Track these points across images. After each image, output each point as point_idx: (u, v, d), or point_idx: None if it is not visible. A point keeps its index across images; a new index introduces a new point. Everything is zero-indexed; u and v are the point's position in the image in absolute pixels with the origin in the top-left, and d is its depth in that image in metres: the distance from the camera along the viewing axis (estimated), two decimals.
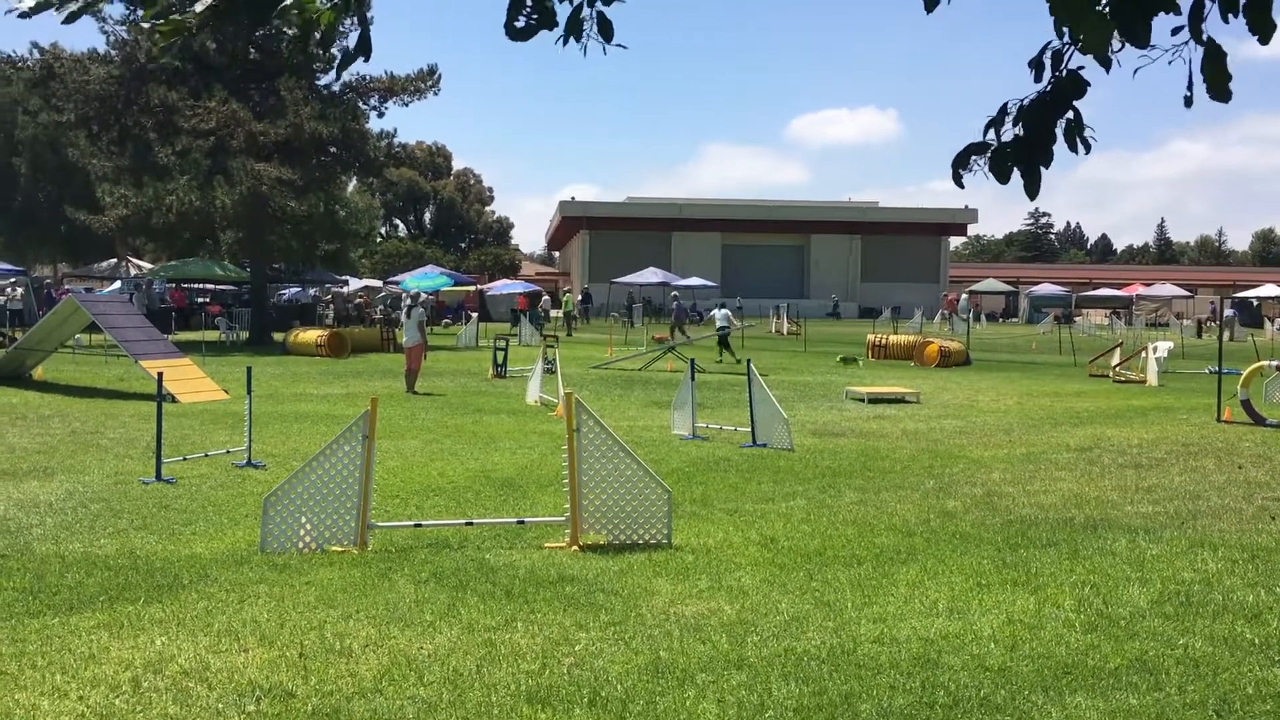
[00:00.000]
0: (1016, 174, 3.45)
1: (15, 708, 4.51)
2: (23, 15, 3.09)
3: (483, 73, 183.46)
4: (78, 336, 23.47)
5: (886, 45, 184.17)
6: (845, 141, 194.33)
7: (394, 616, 5.82)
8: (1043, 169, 3.44)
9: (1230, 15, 3.02)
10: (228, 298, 43.62)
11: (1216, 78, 3.08)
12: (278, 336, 32.52)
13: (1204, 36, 3.03)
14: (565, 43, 3.57)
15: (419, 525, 8.04)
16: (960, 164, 3.46)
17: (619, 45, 3.60)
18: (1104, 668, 5.13)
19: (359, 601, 6.09)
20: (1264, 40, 3.01)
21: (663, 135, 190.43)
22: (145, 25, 3.51)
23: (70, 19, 3.18)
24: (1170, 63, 3.17)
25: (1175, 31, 3.10)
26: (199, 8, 3.35)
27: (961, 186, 3.59)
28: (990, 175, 3.45)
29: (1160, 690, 4.83)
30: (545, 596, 6.24)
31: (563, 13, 3.47)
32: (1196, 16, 3.03)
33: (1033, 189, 3.45)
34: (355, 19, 3.48)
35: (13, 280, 38.82)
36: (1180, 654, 5.29)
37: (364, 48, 3.45)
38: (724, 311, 28.95)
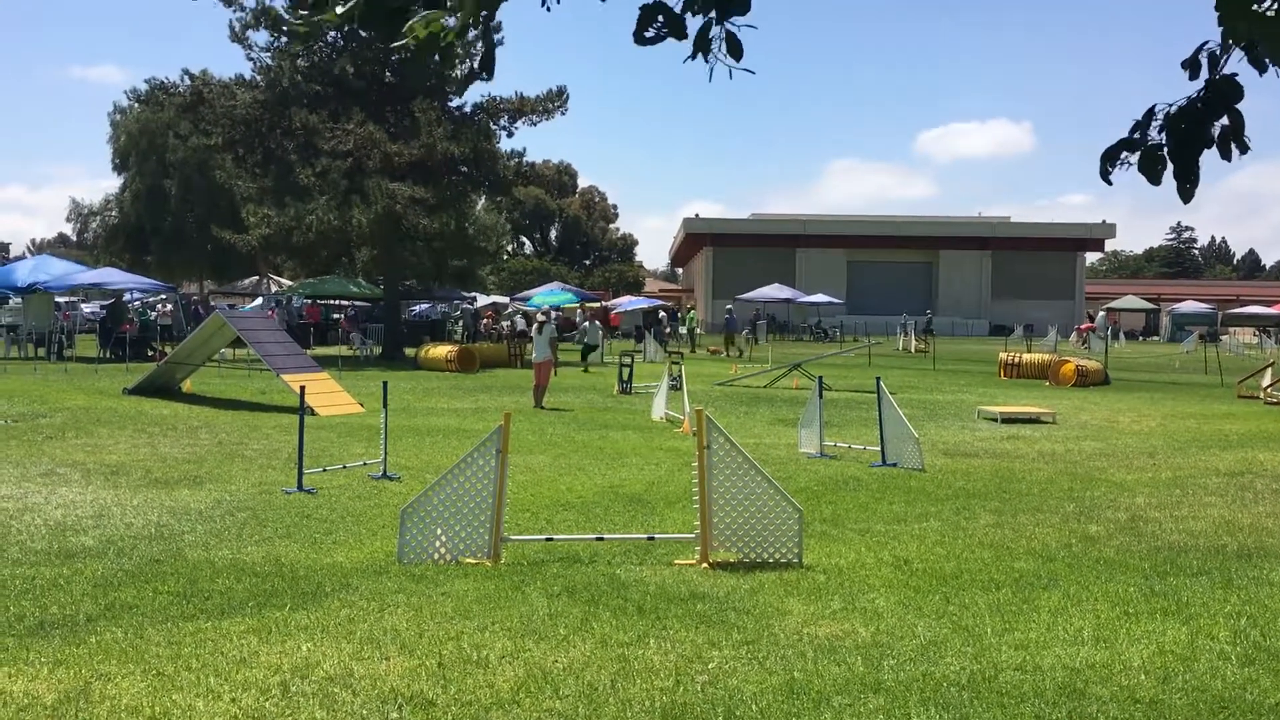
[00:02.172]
0: (1168, 178, 3.33)
1: (173, 707, 4.71)
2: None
3: (608, 91, 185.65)
4: (223, 351, 24.48)
5: (1020, 55, 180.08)
6: (976, 155, 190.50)
7: (528, 629, 5.89)
8: (1198, 171, 3.32)
9: None
10: (361, 314, 44.97)
11: None
12: (409, 351, 33.38)
13: None
14: (693, 58, 3.57)
15: (550, 539, 8.13)
16: (1109, 159, 3.34)
17: (746, 69, 3.57)
18: (1264, 703, 4.89)
19: (494, 613, 6.19)
20: None
21: (788, 152, 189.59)
22: (288, 21, 3.67)
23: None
24: None
25: None
26: (339, 10, 3.49)
27: (1109, 183, 3.47)
28: (1143, 175, 3.33)
29: None
30: (677, 613, 6.24)
31: (691, 28, 3.48)
32: None
33: (1187, 193, 3.32)
34: (480, 40, 3.55)
35: (163, 297, 40.76)
36: None
37: (487, 66, 3.52)
38: (595, 325, 30.07)
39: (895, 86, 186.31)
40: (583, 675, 5.17)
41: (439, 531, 7.59)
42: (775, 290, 53.09)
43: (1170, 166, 3.24)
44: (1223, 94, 3.21)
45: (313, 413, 16.13)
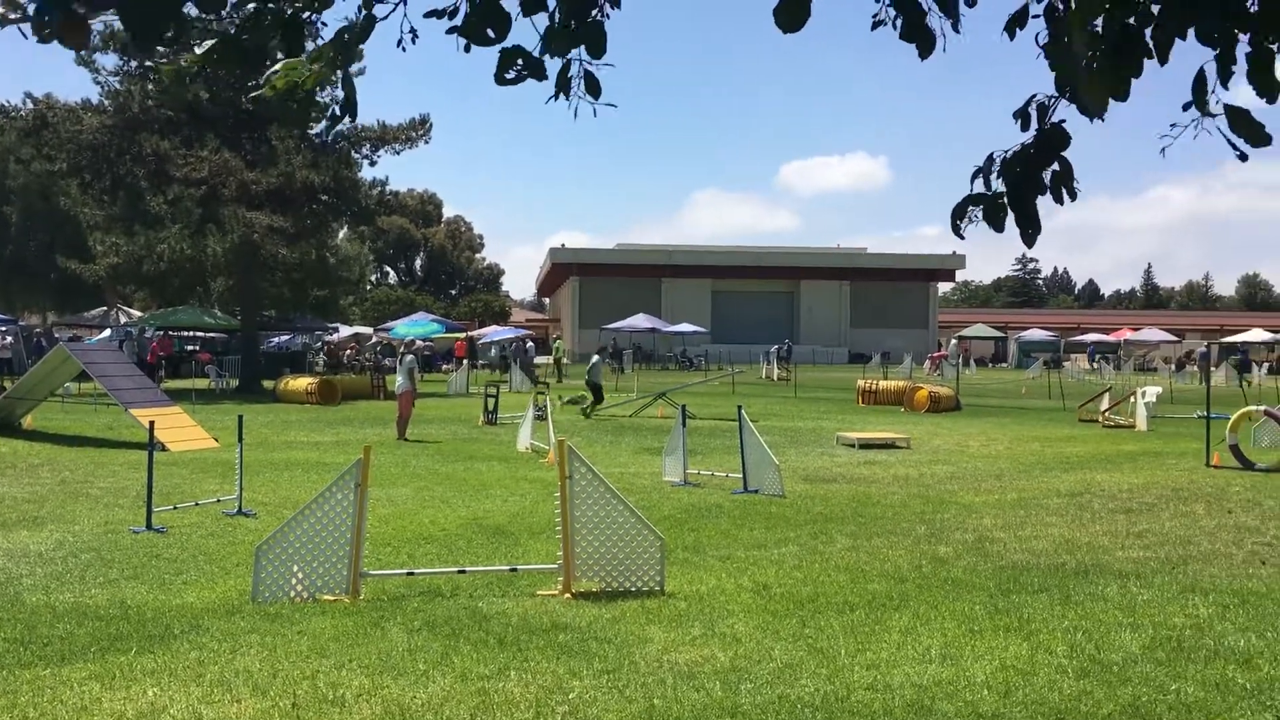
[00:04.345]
0: (1010, 223, 3.54)
1: None
2: None
3: (473, 120, 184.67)
4: (67, 385, 23.43)
5: (876, 92, 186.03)
6: (836, 188, 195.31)
7: (387, 665, 5.81)
8: (1037, 216, 3.53)
9: (1228, 80, 3.11)
10: (217, 345, 43.63)
11: (1250, 130, 3.13)
12: (267, 384, 32.53)
13: (1210, 109, 3.10)
14: (555, 98, 3.65)
15: (411, 573, 8.02)
16: (958, 215, 3.54)
17: (609, 104, 3.67)
18: (1097, 714, 5.14)
19: (352, 651, 6.08)
20: (1271, 100, 3.09)
21: (653, 182, 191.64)
22: (150, 64, 3.61)
23: None
24: (1195, 136, 3.24)
25: (1186, 107, 3.18)
26: (199, 51, 3.45)
27: (961, 237, 3.67)
28: (988, 225, 3.52)
29: None
30: (538, 644, 6.24)
31: (551, 69, 3.55)
32: (1200, 88, 3.11)
33: (1030, 238, 3.52)
34: (341, 81, 3.56)
35: (2, 329, 38.82)
36: (1172, 700, 5.31)
37: (349, 109, 3.53)
38: (596, 358, 28.69)
39: (758, 119, 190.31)
40: (442, 710, 5.12)
41: (296, 568, 7.42)
42: (641, 320, 53.53)
43: (1011, 215, 3.44)
44: (1051, 141, 3.42)
45: (163, 448, 15.58)
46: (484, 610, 7.06)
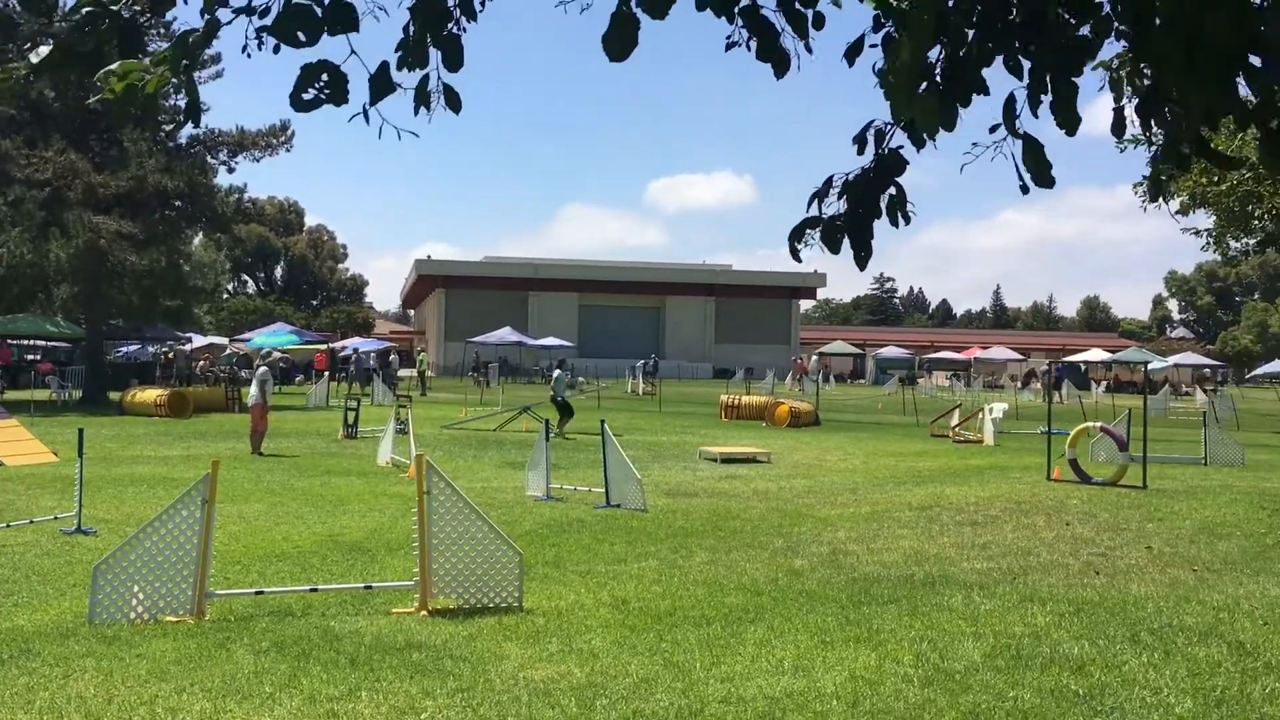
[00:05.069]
0: (846, 245, 3.64)
1: None
2: None
3: (338, 129, 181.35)
4: None
5: (743, 112, 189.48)
6: (702, 205, 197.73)
7: (231, 689, 5.61)
8: (871, 240, 3.64)
9: (1038, 108, 3.28)
10: (60, 355, 41.68)
11: (1038, 166, 3.32)
12: (114, 396, 31.20)
13: (1020, 130, 3.26)
14: (415, 113, 3.59)
15: (260, 592, 7.78)
16: (796, 237, 3.62)
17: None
18: None
19: (194, 674, 5.85)
20: (1070, 132, 3.27)
21: (522, 195, 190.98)
22: None
23: None
24: (993, 159, 3.40)
25: (994, 129, 3.33)
26: (34, 58, 3.29)
27: (799, 260, 3.76)
28: (824, 247, 3.61)
29: None
30: (391, 664, 6.12)
31: (405, 81, 3.49)
32: (1009, 111, 3.26)
33: (863, 261, 3.63)
34: (184, 84, 3.43)
35: None
36: (1010, 706, 5.51)
37: (192, 115, 3.41)
38: (559, 373, 26.92)
39: (627, 135, 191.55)
40: None
41: (136, 589, 7.12)
42: (507, 333, 53.26)
43: (847, 238, 3.54)
44: (888, 167, 3.53)
45: None
46: (336, 629, 6.89)
